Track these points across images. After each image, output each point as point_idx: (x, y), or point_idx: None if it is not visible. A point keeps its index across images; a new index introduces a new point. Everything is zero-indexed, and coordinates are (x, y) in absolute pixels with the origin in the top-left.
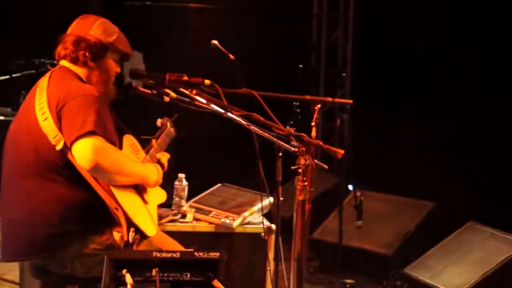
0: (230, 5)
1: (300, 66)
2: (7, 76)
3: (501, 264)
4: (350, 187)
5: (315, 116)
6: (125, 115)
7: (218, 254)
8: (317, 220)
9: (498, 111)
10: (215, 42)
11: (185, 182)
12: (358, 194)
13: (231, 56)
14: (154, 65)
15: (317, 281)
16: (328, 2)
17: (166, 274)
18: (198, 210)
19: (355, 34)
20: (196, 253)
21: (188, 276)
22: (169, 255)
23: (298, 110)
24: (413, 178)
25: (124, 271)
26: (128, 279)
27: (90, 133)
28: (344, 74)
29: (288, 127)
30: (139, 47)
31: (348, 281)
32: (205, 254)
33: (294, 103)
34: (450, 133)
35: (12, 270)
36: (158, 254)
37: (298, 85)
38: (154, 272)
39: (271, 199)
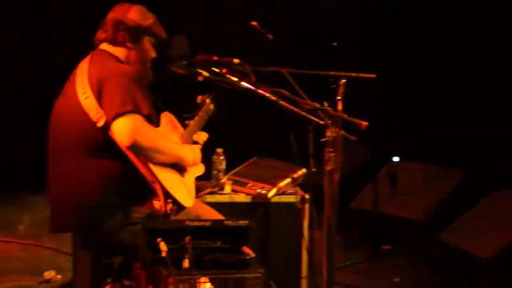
0: None
1: (335, 43)
2: None
3: None
4: (396, 158)
5: (340, 90)
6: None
7: (247, 221)
8: (357, 191)
9: None
10: (255, 23)
11: (222, 156)
12: (393, 164)
13: (269, 36)
14: (199, 47)
15: (356, 247)
16: None
17: (198, 242)
18: (235, 182)
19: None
20: (226, 221)
21: (219, 243)
22: (201, 223)
23: (334, 86)
24: (446, 147)
25: (159, 239)
26: (163, 246)
27: (129, 112)
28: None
29: (325, 103)
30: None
31: (385, 247)
32: (235, 222)
33: (330, 79)
34: (481, 102)
35: (67, 242)
36: (190, 223)
37: (333, 62)
38: (187, 240)
39: (304, 170)
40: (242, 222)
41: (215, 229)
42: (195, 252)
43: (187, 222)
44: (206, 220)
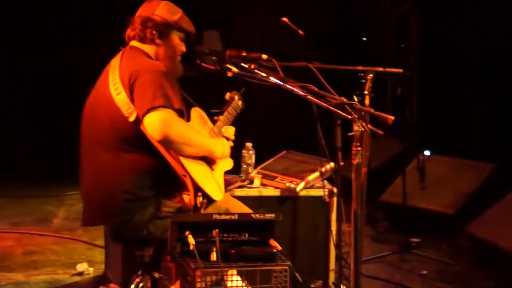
0: None
1: (364, 39)
2: None
3: None
4: (427, 152)
5: (367, 85)
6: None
7: (273, 215)
8: (387, 184)
9: None
10: (285, 19)
11: (252, 151)
12: (421, 157)
13: (300, 32)
14: (231, 42)
15: (385, 240)
16: None
17: (225, 235)
18: (264, 176)
19: (422, 8)
20: (253, 215)
21: (246, 236)
22: (228, 217)
23: (364, 80)
24: (475, 141)
25: (187, 232)
26: (191, 240)
27: (160, 106)
28: (402, 45)
29: (354, 97)
30: (216, 27)
31: (414, 239)
32: (262, 216)
33: (360, 74)
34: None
35: (100, 236)
36: (218, 217)
37: (362, 57)
38: (214, 233)
39: (332, 164)
40: (269, 216)
41: (242, 222)
42: (223, 245)
43: (215, 216)
44: (233, 214)
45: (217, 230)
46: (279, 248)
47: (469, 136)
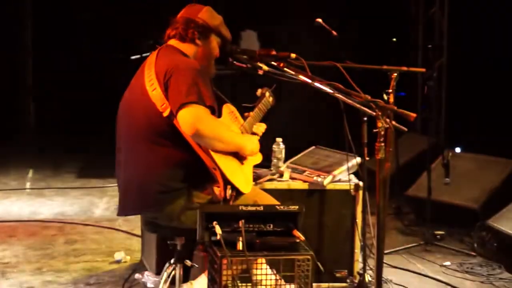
0: None
1: (394, 39)
2: (138, 56)
3: None
4: (458, 149)
5: (392, 83)
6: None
7: (297, 207)
8: (415, 179)
9: None
10: (319, 20)
11: (282, 146)
12: (447, 154)
13: (334, 33)
14: (268, 42)
15: (411, 233)
16: None
17: (251, 225)
18: (293, 170)
19: (451, 10)
20: (278, 206)
21: (271, 226)
22: (254, 208)
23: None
24: (499, 139)
25: (214, 222)
26: (218, 229)
27: (193, 102)
28: (429, 46)
29: (384, 95)
30: (253, 26)
31: (438, 232)
32: (286, 207)
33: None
34: None
35: (139, 226)
36: (244, 208)
37: (392, 56)
38: (240, 223)
39: (359, 159)
40: (293, 207)
41: (267, 213)
42: (248, 235)
43: (241, 207)
44: (259, 205)
45: (243, 220)
46: (302, 238)
47: (493, 133)
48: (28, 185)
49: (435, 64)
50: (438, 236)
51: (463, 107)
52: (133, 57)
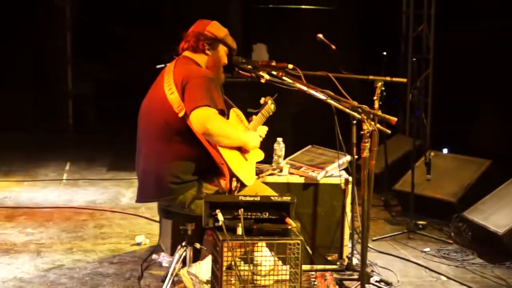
0: (338, 5)
1: (385, 53)
2: (162, 65)
3: None
4: (445, 150)
5: (376, 91)
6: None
7: (289, 198)
8: (401, 176)
9: None
10: (320, 35)
11: (282, 144)
12: (429, 154)
13: (333, 47)
14: (276, 54)
15: (397, 222)
16: (414, 1)
17: (249, 213)
18: (292, 166)
19: (437, 27)
20: (272, 197)
21: (267, 214)
22: (252, 198)
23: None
24: (476, 140)
25: (217, 211)
26: (220, 216)
27: (205, 106)
28: (414, 59)
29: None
30: (264, 40)
31: (420, 222)
32: (279, 198)
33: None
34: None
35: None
36: (243, 198)
37: (383, 69)
38: (240, 211)
39: (349, 157)
40: (286, 198)
41: (264, 203)
42: (247, 222)
43: (241, 197)
44: (256, 196)
45: (242, 209)
46: (294, 225)
47: (473, 136)
48: (65, 176)
49: (421, 75)
50: (420, 226)
51: (448, 112)
52: (158, 66)
